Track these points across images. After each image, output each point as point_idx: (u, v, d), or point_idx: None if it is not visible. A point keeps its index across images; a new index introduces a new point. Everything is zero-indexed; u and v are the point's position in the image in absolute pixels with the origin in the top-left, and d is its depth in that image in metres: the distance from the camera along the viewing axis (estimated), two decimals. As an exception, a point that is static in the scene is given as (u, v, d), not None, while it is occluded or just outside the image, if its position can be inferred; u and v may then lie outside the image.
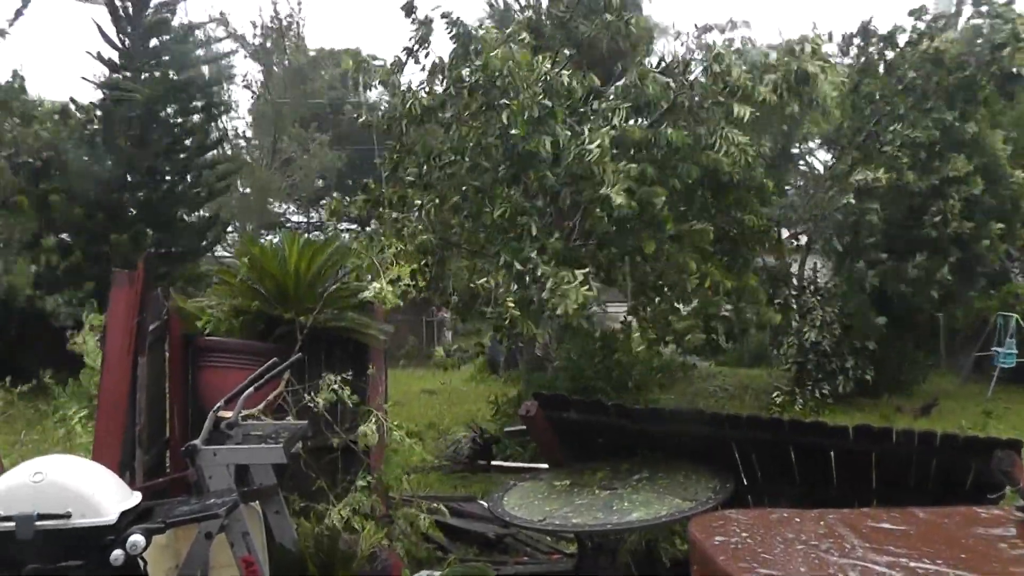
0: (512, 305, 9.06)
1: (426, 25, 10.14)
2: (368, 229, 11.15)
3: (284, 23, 28.59)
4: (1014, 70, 13.92)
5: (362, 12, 56.61)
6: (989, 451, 4.67)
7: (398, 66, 10.39)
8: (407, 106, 9.85)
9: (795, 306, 15.34)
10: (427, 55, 10.26)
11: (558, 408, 6.30)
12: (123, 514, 3.19)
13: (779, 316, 11.56)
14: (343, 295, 5.94)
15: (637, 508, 5.07)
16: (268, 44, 28.66)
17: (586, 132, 8.94)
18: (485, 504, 6.81)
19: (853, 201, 14.27)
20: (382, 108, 12.86)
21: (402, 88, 10.26)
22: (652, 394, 12.41)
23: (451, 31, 10.11)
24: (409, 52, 10.33)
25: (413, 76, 10.89)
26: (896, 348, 15.32)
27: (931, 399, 14.19)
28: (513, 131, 8.92)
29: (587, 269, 8.79)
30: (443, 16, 10.06)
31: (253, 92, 29.35)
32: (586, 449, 6.39)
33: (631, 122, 9.61)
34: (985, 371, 16.26)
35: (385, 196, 10.51)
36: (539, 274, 8.59)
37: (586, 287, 8.37)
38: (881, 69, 15.38)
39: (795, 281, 15.79)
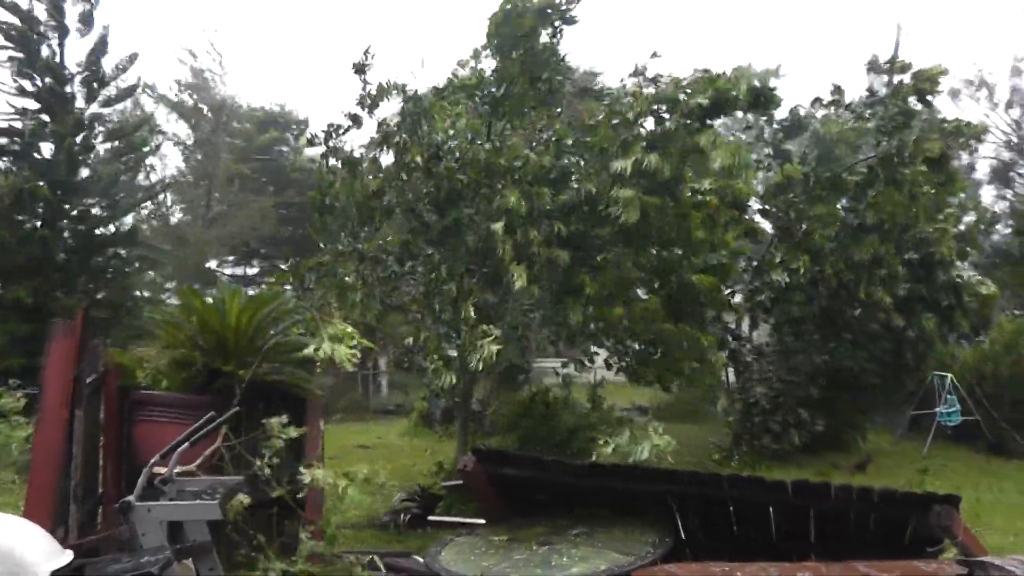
0: (437, 358, 9.33)
1: (376, 96, 10.40)
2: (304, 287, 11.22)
3: (206, 79, 28.60)
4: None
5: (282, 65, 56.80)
6: (927, 506, 4.76)
7: (334, 130, 10.60)
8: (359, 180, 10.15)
9: (743, 360, 15.67)
10: (371, 116, 10.47)
11: (496, 463, 6.31)
12: (53, 573, 3.10)
13: (723, 356, 11.74)
14: (283, 349, 5.90)
15: (576, 563, 5.06)
16: (192, 102, 28.58)
17: (495, 204, 9.29)
18: (421, 560, 6.73)
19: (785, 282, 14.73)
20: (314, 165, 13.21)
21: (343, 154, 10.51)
22: (587, 447, 12.47)
23: (402, 99, 10.35)
24: (354, 119, 10.54)
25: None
26: (833, 407, 15.58)
27: (865, 456, 14.43)
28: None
29: (497, 332, 9.04)
30: (396, 90, 10.32)
31: (183, 149, 29.24)
32: (525, 504, 6.38)
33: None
34: (922, 429, 16.51)
35: (318, 263, 10.77)
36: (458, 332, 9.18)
37: (494, 342, 8.71)
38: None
39: (738, 340, 16.03)
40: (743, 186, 11.05)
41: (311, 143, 10.76)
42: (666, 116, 9.88)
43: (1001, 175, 29.44)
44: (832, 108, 15.94)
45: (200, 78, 28.51)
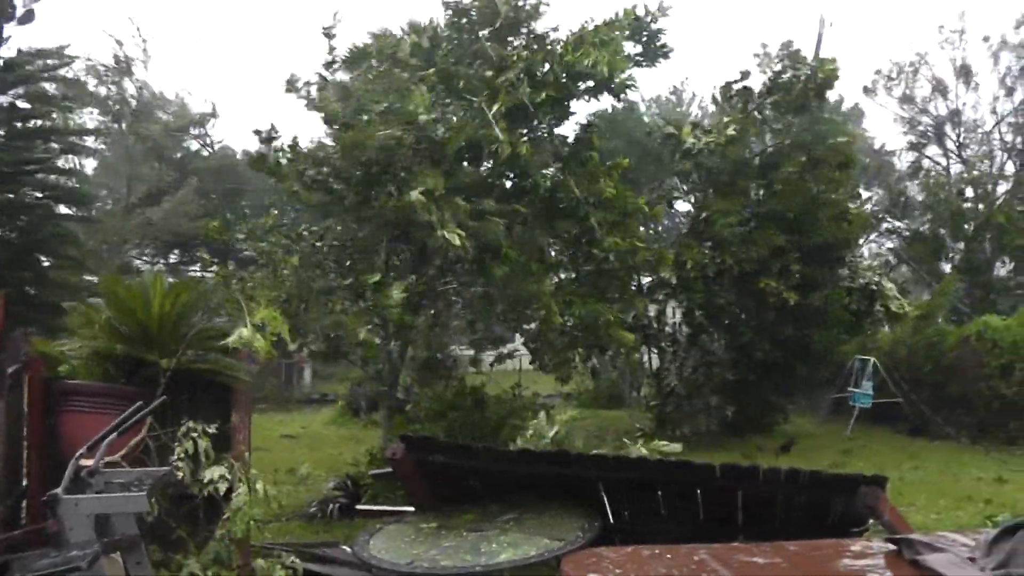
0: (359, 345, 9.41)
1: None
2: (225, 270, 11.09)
3: (128, 64, 27.75)
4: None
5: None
6: (854, 487, 4.90)
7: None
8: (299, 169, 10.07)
9: (658, 346, 15.94)
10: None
11: (425, 450, 6.30)
12: (-22, 569, 3.04)
13: (631, 336, 11.89)
14: (208, 336, 5.82)
15: (505, 549, 5.10)
16: (114, 87, 27.72)
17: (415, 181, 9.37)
18: (349, 549, 6.71)
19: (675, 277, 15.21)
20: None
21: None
22: (511, 435, 12.56)
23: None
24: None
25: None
26: (756, 391, 15.94)
27: (789, 438, 14.77)
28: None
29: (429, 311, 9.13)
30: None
31: (105, 136, 28.31)
32: (454, 491, 6.40)
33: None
34: (844, 412, 16.98)
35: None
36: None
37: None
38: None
39: (655, 325, 16.27)
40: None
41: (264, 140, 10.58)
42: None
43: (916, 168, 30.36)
44: (736, 98, 16.29)
45: (121, 64, 27.63)
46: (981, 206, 24.45)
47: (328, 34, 10.63)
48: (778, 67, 15.81)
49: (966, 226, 24.09)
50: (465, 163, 9.97)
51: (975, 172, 26.19)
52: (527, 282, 10.30)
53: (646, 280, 15.99)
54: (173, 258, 29.72)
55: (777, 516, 5.48)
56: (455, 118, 10.01)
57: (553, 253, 11.36)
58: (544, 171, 10.24)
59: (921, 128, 30.12)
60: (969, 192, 25.44)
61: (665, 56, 10.78)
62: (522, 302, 10.65)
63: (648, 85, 53.15)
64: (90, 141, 23.36)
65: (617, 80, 10.13)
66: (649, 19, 10.41)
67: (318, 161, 10.09)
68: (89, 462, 3.92)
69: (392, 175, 9.81)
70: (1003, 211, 23.55)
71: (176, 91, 30.64)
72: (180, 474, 5.12)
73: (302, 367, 25.33)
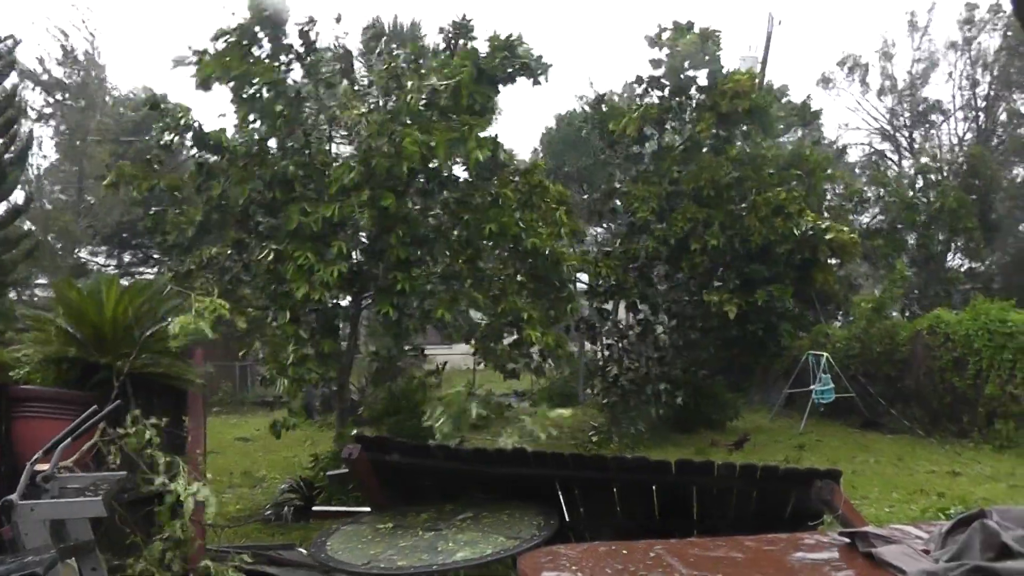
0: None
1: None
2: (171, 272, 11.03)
3: (77, 58, 27.27)
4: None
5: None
6: (809, 481, 5.01)
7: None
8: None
9: (602, 342, 16.08)
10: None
11: (381, 450, 6.32)
12: (-67, 577, 3.02)
13: (550, 335, 11.98)
14: (161, 339, 5.78)
15: (462, 548, 5.16)
16: (62, 78, 27.24)
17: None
18: (304, 551, 6.72)
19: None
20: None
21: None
22: (466, 434, 12.60)
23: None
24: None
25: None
26: (708, 387, 16.15)
27: (743, 434, 14.97)
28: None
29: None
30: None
31: (52, 134, 27.82)
32: (410, 491, 6.44)
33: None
34: (798, 406, 17.19)
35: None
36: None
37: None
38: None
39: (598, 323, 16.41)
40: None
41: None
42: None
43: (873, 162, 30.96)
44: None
45: (70, 57, 27.12)
46: (932, 195, 24.91)
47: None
48: (665, 92, 16.30)
49: (918, 217, 24.52)
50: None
51: (924, 160, 26.72)
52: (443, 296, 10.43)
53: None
54: (127, 257, 29.22)
55: (732, 511, 5.57)
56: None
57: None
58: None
59: (877, 122, 30.75)
60: (920, 183, 25.93)
61: (543, 71, 10.56)
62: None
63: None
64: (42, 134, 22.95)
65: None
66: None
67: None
68: (44, 467, 3.90)
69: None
70: (955, 197, 24.01)
71: (132, 84, 29.95)
72: (137, 476, 5.08)
73: (256, 370, 25.12)
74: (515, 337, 11.20)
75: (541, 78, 10.14)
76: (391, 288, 9.74)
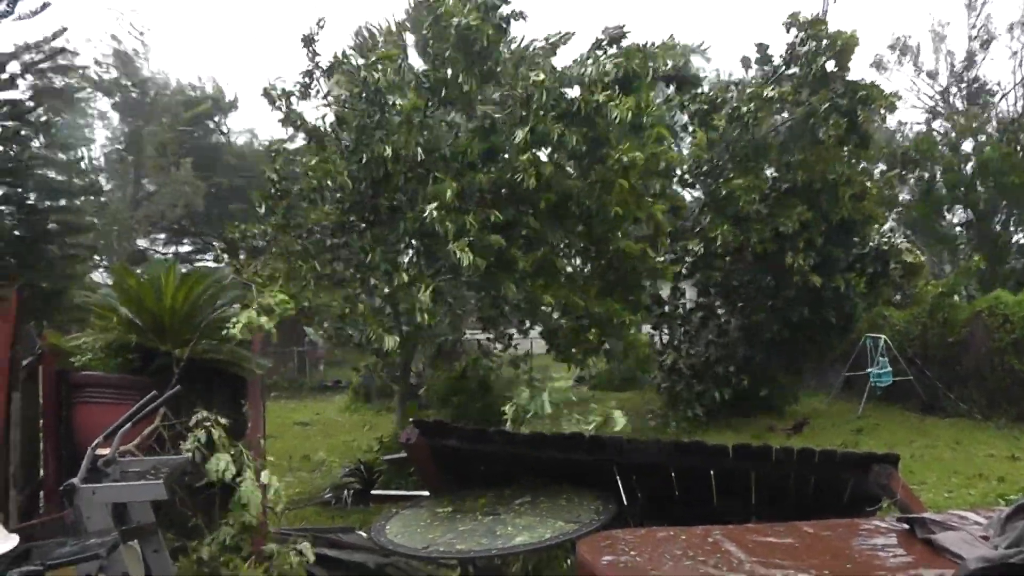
0: (376, 326, 9.49)
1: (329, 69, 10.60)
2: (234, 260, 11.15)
3: (129, 57, 27.74)
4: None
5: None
6: (866, 466, 4.87)
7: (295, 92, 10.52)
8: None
9: (670, 325, 15.89)
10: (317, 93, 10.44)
11: (439, 435, 6.29)
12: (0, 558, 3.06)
13: (644, 338, 11.98)
14: (221, 326, 5.82)
15: (521, 532, 5.11)
16: (116, 76, 27.68)
17: (428, 189, 9.39)
18: (363, 534, 6.74)
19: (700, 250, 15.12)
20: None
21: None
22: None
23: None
24: (305, 87, 10.49)
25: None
26: (765, 370, 15.90)
27: (802, 418, 14.75)
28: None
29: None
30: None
31: (109, 127, 28.34)
32: (468, 476, 6.41)
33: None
34: (855, 390, 16.89)
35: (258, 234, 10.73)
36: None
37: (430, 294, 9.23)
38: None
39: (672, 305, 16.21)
40: (672, 152, 11.26)
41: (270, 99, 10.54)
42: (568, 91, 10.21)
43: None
44: (757, 68, 16.21)
45: (122, 57, 27.60)
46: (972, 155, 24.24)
47: (309, 40, 10.52)
48: (797, 37, 15.67)
49: (961, 172, 23.82)
50: (475, 171, 9.95)
51: (964, 121, 25.87)
52: (535, 287, 10.34)
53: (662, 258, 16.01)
54: (185, 247, 29.75)
55: (790, 496, 5.46)
56: (464, 125, 10.06)
57: (564, 248, 11.30)
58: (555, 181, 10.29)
59: (931, 99, 30.00)
60: (967, 146, 25.15)
61: (696, 85, 10.81)
62: (534, 302, 10.67)
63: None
64: (99, 131, 23.37)
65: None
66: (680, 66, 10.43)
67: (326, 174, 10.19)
68: (105, 451, 3.94)
69: (403, 186, 9.93)
70: (999, 150, 23.21)
71: (187, 79, 30.36)
72: (189, 455, 5.13)
73: (317, 358, 25.47)
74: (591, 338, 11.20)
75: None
76: (512, 264, 9.81)
